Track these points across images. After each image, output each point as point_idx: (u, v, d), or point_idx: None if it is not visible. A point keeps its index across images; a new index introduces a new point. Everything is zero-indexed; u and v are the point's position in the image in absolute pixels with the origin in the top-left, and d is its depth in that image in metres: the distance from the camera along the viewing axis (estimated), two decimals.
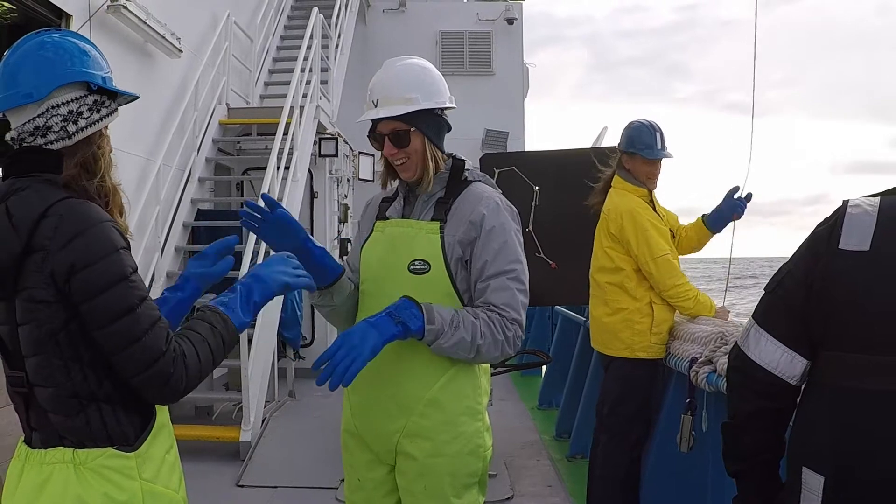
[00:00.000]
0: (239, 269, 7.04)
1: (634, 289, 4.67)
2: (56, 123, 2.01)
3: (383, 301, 2.60)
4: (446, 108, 2.75)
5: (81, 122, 2.04)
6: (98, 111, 2.08)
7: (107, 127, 2.14)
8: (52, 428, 1.98)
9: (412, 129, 2.65)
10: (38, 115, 2.01)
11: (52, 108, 2.01)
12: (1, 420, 2.81)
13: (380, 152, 2.75)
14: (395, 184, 2.87)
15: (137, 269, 2.02)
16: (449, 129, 2.77)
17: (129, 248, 2.01)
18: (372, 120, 2.69)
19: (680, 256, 4.95)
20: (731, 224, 4.99)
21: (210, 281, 2.44)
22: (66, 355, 1.94)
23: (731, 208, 4.94)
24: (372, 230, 2.84)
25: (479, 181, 2.79)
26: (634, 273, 4.67)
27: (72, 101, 2.04)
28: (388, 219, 2.82)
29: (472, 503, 2.72)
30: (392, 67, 2.72)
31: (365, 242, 2.84)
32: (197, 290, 2.43)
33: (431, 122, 2.69)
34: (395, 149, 2.67)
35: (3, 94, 2.03)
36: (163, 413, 2.12)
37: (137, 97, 2.22)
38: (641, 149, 4.70)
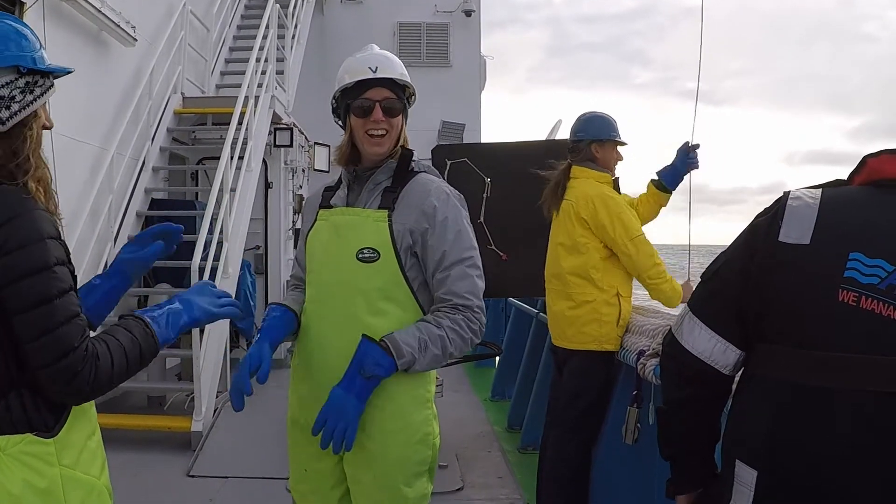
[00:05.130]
0: (191, 259, 7.05)
1: (601, 279, 4.60)
2: None
3: (330, 290, 2.67)
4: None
5: (14, 107, 1.98)
6: (31, 91, 2.02)
7: (44, 105, 2.08)
8: None
9: (400, 106, 2.75)
10: None
11: None
12: None
13: (346, 130, 2.78)
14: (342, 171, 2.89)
15: (66, 261, 1.97)
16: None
17: (59, 237, 1.97)
18: (364, 87, 2.71)
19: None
20: (688, 211, 5.02)
21: (139, 265, 2.42)
22: None
23: (685, 164, 4.96)
24: (315, 219, 2.85)
25: (425, 171, 2.82)
26: (602, 262, 4.61)
27: (2, 86, 1.98)
28: (331, 207, 2.83)
29: (422, 491, 2.73)
30: (382, 51, 2.82)
31: (309, 232, 2.86)
32: (126, 276, 2.40)
33: (406, 110, 2.81)
34: (385, 117, 2.72)
35: None
36: None
37: (72, 71, 2.15)
38: (615, 136, 4.78)
